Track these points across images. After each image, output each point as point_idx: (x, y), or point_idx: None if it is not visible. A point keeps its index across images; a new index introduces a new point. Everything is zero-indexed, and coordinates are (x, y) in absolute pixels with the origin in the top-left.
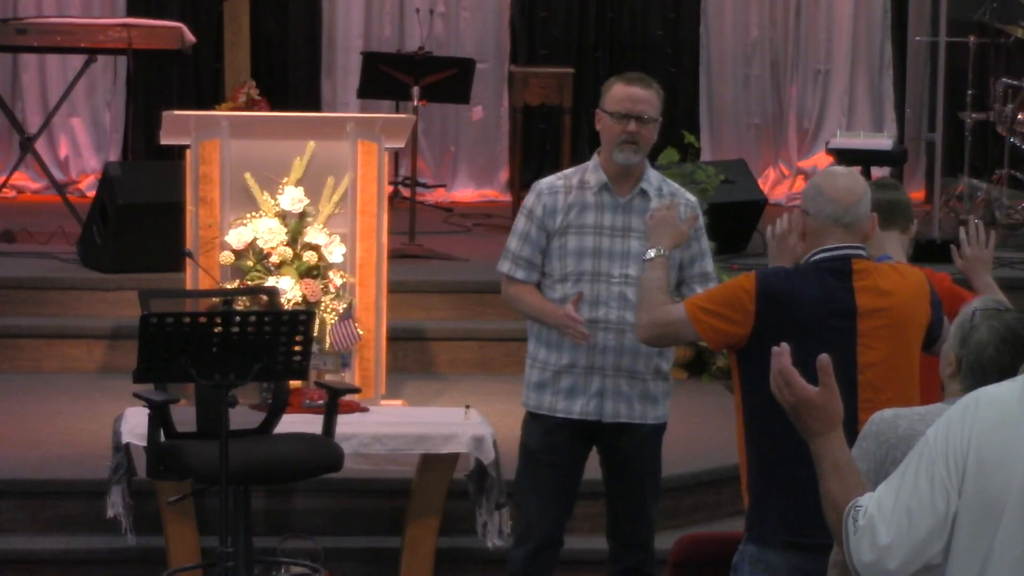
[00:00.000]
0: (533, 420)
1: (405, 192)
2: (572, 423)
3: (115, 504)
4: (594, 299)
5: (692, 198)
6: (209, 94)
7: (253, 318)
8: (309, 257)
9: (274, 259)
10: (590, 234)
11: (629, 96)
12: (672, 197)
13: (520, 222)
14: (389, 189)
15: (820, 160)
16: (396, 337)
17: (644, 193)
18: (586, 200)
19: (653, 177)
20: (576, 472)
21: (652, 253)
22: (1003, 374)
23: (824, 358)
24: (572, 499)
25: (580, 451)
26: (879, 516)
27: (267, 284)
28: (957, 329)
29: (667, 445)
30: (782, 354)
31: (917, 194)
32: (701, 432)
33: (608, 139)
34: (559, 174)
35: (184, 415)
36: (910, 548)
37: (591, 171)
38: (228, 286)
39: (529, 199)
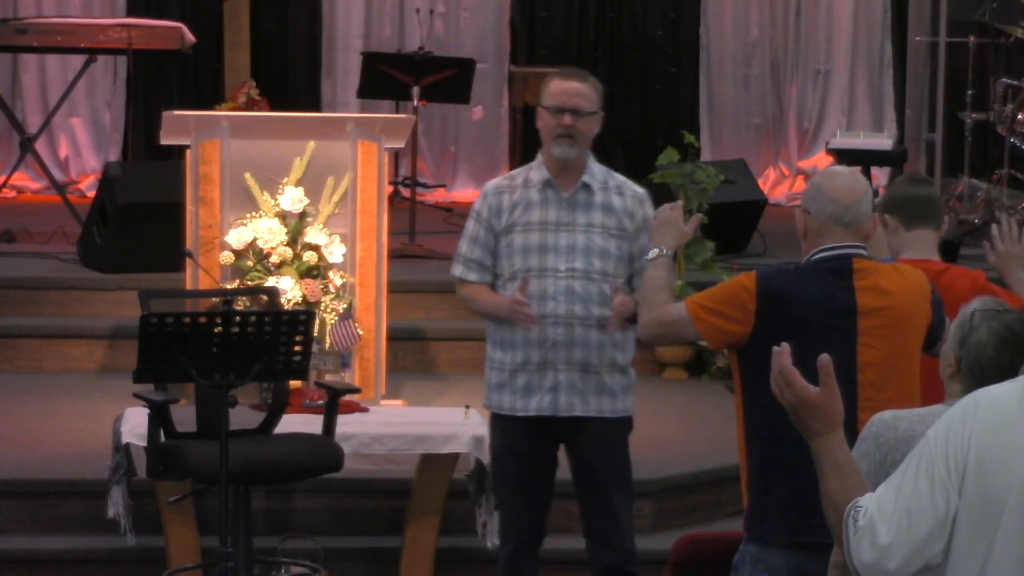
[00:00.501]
0: (495, 421)
1: (405, 192)
2: (531, 421)
3: (115, 504)
4: (542, 294)
5: (640, 190)
6: (209, 94)
7: (253, 318)
8: (309, 257)
9: (274, 259)
10: (535, 231)
11: (564, 90)
12: (618, 189)
13: (469, 225)
14: (389, 189)
15: (820, 160)
16: (396, 337)
17: (587, 187)
18: (530, 198)
19: (597, 171)
20: (544, 471)
21: (655, 253)
22: (1003, 374)
23: (825, 358)
24: (545, 498)
25: (544, 449)
26: (879, 516)
27: (267, 284)
28: (956, 330)
29: (667, 445)
30: (782, 354)
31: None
32: (701, 432)
33: (546, 134)
34: (507, 174)
35: (184, 415)
36: (910, 548)
37: (535, 169)
38: (228, 286)
39: (477, 202)
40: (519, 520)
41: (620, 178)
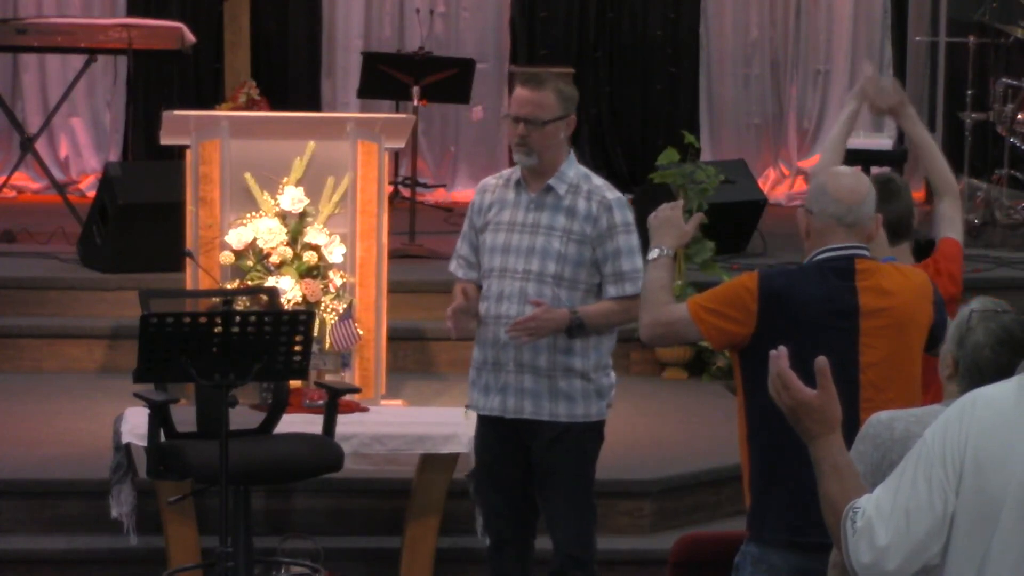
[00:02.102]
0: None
1: (405, 192)
2: (492, 420)
3: (123, 503)
4: (499, 295)
5: (610, 196)
6: (209, 94)
7: (253, 318)
8: (309, 257)
9: (274, 259)
10: (503, 231)
11: (518, 99)
12: (588, 193)
13: (464, 222)
14: (389, 189)
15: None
16: (396, 337)
17: (551, 189)
18: (507, 197)
19: (571, 174)
20: (517, 469)
21: (655, 253)
22: (1000, 375)
23: (822, 360)
24: (524, 495)
25: (510, 449)
26: (877, 517)
27: (267, 284)
28: (955, 330)
29: (667, 445)
30: (780, 357)
31: (917, 194)
32: (701, 432)
33: (510, 140)
34: (500, 172)
35: (184, 415)
36: (908, 549)
37: (517, 169)
38: (228, 286)
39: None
40: (496, 516)
41: (597, 183)
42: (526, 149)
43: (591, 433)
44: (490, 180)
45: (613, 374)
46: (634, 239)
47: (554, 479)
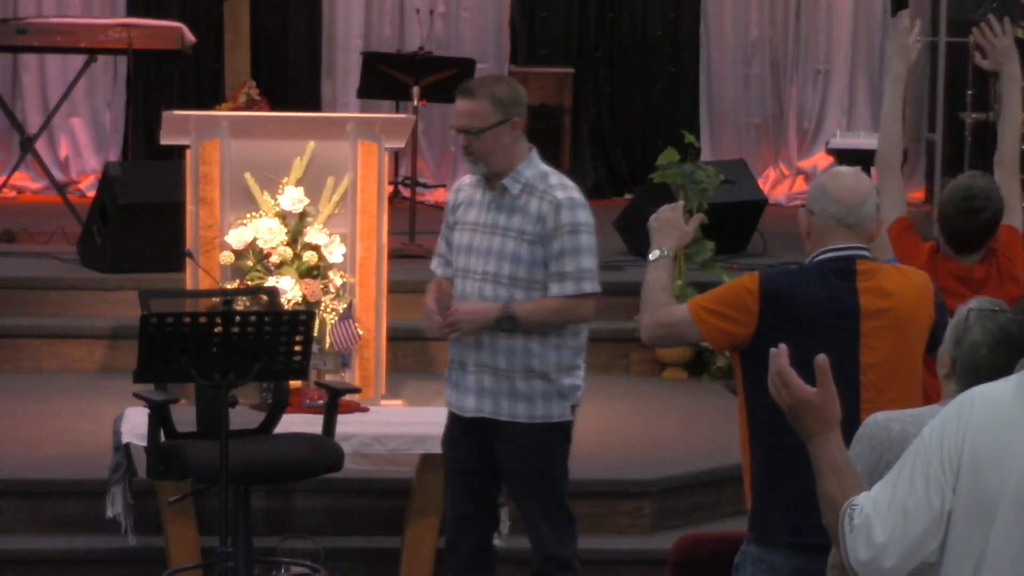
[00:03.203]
0: None
1: (405, 192)
2: (456, 417)
3: (115, 504)
4: (461, 295)
5: (562, 195)
6: (209, 94)
7: (253, 318)
8: (309, 257)
9: (274, 259)
10: (468, 230)
11: (456, 110)
12: (542, 193)
13: (443, 220)
14: (389, 189)
15: (820, 160)
16: (396, 337)
17: (505, 189)
18: (475, 197)
19: (527, 174)
20: (477, 467)
21: (655, 254)
22: (997, 375)
23: (822, 358)
24: (482, 493)
25: (473, 446)
26: (875, 515)
27: (267, 284)
28: (952, 330)
29: (667, 445)
30: (780, 355)
31: (917, 194)
32: (701, 432)
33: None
34: None
35: (184, 415)
36: (906, 546)
37: None
38: (228, 286)
39: None
40: (454, 510)
41: (553, 182)
42: (472, 158)
43: (554, 434)
44: (465, 179)
45: (581, 376)
46: (583, 239)
47: (520, 481)
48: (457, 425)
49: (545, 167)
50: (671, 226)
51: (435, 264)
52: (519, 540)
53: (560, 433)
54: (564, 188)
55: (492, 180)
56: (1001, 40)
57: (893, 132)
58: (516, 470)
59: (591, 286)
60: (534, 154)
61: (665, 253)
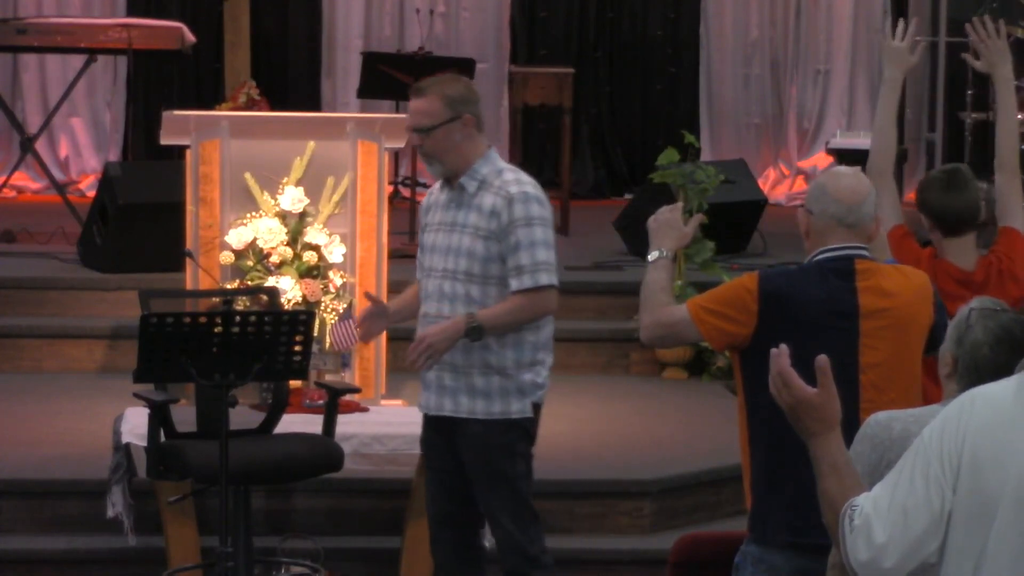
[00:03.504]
0: None
1: (405, 192)
2: (427, 417)
3: (115, 504)
4: (425, 294)
5: (515, 190)
6: (209, 94)
7: (253, 318)
8: (309, 257)
9: (274, 259)
10: (432, 231)
11: (407, 109)
12: (497, 189)
13: None
14: (389, 189)
15: (820, 160)
16: (396, 337)
17: (462, 187)
18: (439, 198)
19: (483, 171)
20: (452, 466)
21: (655, 255)
22: (998, 374)
23: (822, 359)
24: (460, 492)
25: (444, 445)
26: (875, 515)
27: (267, 284)
28: (953, 329)
29: (667, 445)
30: (780, 355)
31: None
32: (701, 432)
33: None
34: None
35: (184, 415)
36: (906, 547)
37: None
38: (228, 286)
39: None
40: (434, 509)
41: (508, 177)
42: (425, 157)
43: (514, 431)
44: (437, 184)
45: (545, 373)
46: (538, 232)
47: (482, 478)
48: (429, 425)
49: (502, 164)
50: (670, 227)
51: (416, 268)
52: None
53: (520, 430)
54: (518, 183)
55: (452, 180)
56: (994, 42)
57: (887, 137)
58: (477, 468)
59: (547, 278)
60: (492, 152)
61: (664, 254)
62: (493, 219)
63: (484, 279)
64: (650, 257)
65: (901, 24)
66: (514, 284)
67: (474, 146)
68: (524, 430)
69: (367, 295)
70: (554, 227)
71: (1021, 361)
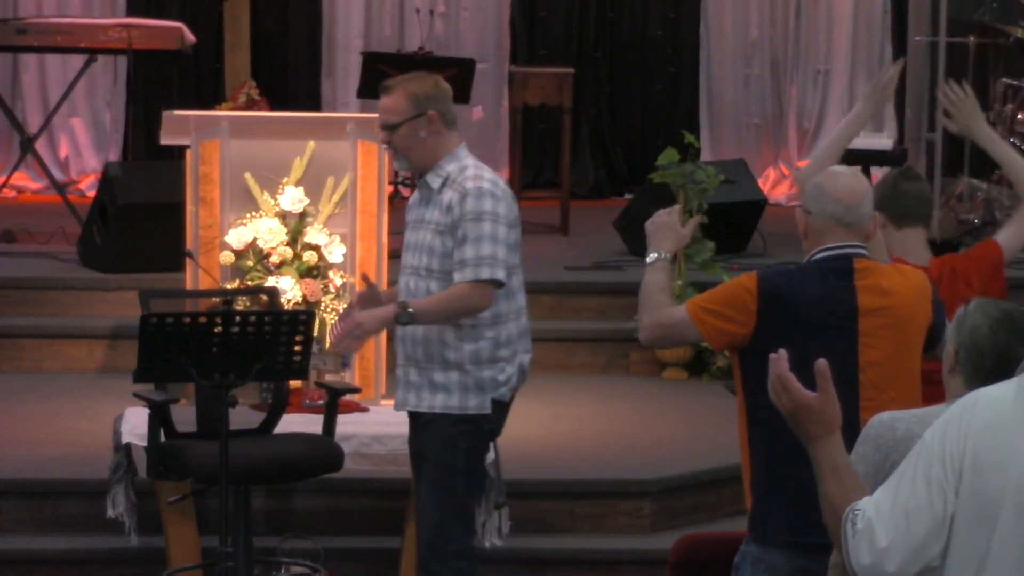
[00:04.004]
0: None
1: (405, 192)
2: (408, 413)
3: (117, 504)
4: (400, 290)
5: (471, 185)
6: (209, 94)
7: (253, 318)
8: (309, 257)
9: (274, 259)
10: (408, 229)
11: (378, 107)
12: (455, 184)
13: None
14: (389, 189)
15: None
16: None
17: (427, 184)
18: (414, 196)
19: (448, 168)
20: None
21: (653, 256)
22: (999, 356)
23: (822, 363)
24: None
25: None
26: (877, 519)
27: (267, 284)
28: (954, 323)
29: (667, 445)
30: (780, 360)
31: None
32: (701, 432)
33: None
34: None
35: (184, 415)
36: (909, 550)
37: None
38: (228, 286)
39: None
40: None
41: (468, 173)
42: (393, 153)
43: (464, 426)
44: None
45: (509, 370)
46: (486, 227)
47: (422, 467)
48: (409, 423)
49: (468, 161)
50: (668, 229)
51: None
52: (519, 540)
53: (470, 426)
54: (477, 179)
55: (422, 177)
56: (964, 102)
57: (831, 157)
58: (422, 458)
59: (488, 272)
60: (460, 150)
61: (663, 255)
62: (449, 214)
63: (443, 274)
64: (648, 259)
65: (897, 67)
66: (456, 277)
67: (441, 142)
68: (475, 426)
69: (363, 277)
70: (512, 224)
71: (1022, 364)
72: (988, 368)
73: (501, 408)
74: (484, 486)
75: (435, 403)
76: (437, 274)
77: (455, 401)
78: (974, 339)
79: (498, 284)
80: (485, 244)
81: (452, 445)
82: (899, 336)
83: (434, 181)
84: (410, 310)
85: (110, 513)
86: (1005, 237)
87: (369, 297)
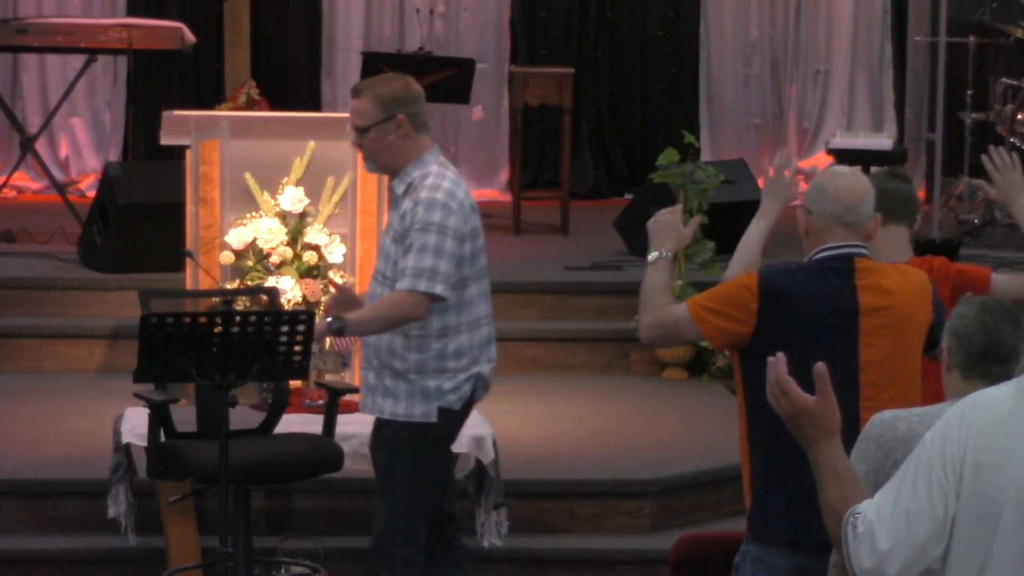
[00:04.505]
0: None
1: None
2: None
3: (119, 504)
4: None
5: (425, 194)
6: (209, 94)
7: (253, 318)
8: (309, 257)
9: (274, 259)
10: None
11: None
12: (414, 191)
13: None
14: None
15: (820, 160)
16: None
17: (392, 190)
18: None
19: (413, 174)
20: None
21: (655, 255)
22: (988, 338)
23: (820, 366)
24: None
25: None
26: (878, 522)
27: (267, 284)
28: (948, 323)
29: (667, 445)
30: (778, 364)
31: (918, 194)
32: (701, 432)
33: None
34: None
35: (184, 415)
36: (910, 553)
37: None
38: (228, 286)
39: None
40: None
41: (428, 182)
42: (364, 156)
43: (411, 433)
44: None
45: (457, 379)
46: (431, 239)
47: (375, 471)
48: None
49: (432, 167)
50: (670, 228)
51: None
52: (519, 540)
53: (418, 433)
54: (433, 188)
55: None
56: (1009, 174)
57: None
58: (376, 464)
59: (425, 286)
60: (428, 155)
61: (664, 254)
62: (403, 222)
63: (394, 282)
64: (649, 258)
65: (781, 156)
66: (396, 285)
67: (410, 146)
68: (422, 433)
69: (333, 283)
70: (465, 237)
71: (1021, 365)
72: (978, 352)
73: (450, 416)
74: (434, 493)
75: (384, 408)
76: (391, 281)
77: (401, 408)
78: (962, 325)
79: (435, 298)
80: (428, 256)
81: (397, 452)
82: (899, 336)
83: (398, 187)
84: (341, 320)
85: (112, 513)
86: (1003, 280)
87: (341, 301)
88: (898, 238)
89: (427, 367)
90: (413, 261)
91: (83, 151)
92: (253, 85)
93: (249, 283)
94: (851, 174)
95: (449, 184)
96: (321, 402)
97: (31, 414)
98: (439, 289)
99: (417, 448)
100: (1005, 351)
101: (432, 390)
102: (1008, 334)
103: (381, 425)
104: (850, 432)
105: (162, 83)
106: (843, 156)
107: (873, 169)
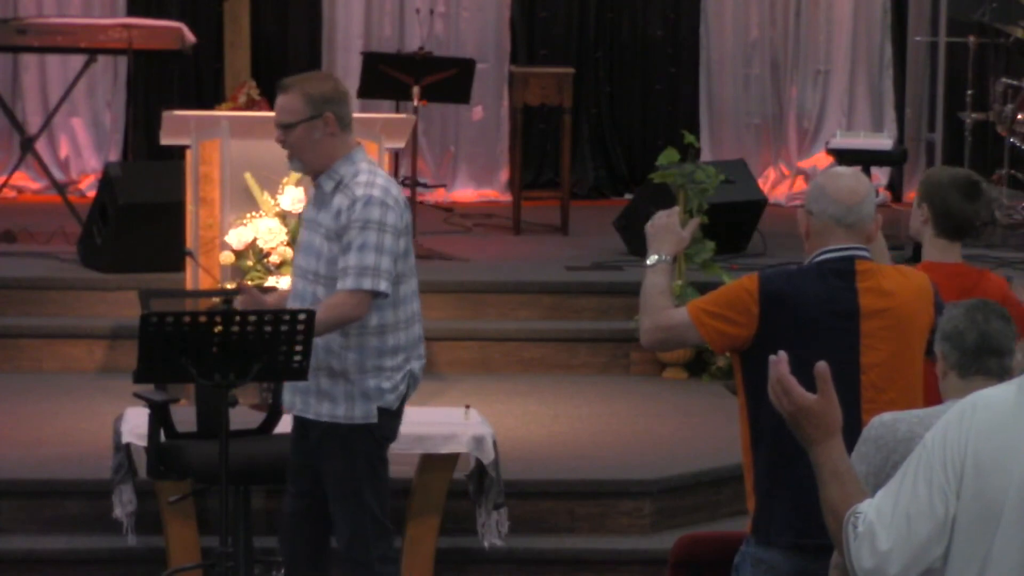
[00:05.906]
0: None
1: (405, 192)
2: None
3: (127, 504)
4: (291, 293)
5: (361, 192)
6: (209, 94)
7: (253, 318)
8: None
9: (274, 259)
10: (302, 228)
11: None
12: (347, 189)
13: None
14: None
15: (820, 160)
16: None
17: (320, 186)
18: (311, 197)
19: (342, 171)
20: (301, 463)
21: (654, 259)
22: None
23: (822, 366)
24: (306, 491)
25: (298, 442)
26: (878, 522)
27: (267, 284)
28: (939, 329)
29: (667, 445)
30: (780, 363)
31: (910, 193)
32: (701, 432)
33: None
34: None
35: (184, 415)
36: (910, 553)
37: None
38: (228, 286)
39: None
40: (286, 506)
41: (361, 179)
42: (288, 153)
43: (358, 435)
44: None
45: (395, 378)
46: (371, 236)
47: (326, 480)
48: (295, 423)
49: (363, 165)
50: (668, 231)
51: None
52: (519, 540)
53: (365, 434)
54: (368, 186)
55: (315, 178)
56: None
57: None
58: (322, 469)
59: (370, 283)
60: (356, 153)
61: (663, 258)
62: (337, 220)
63: (329, 280)
64: (648, 261)
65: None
66: (338, 285)
67: (337, 145)
68: (368, 434)
69: (240, 287)
70: (401, 233)
71: (1022, 363)
72: (972, 348)
73: (389, 416)
74: (388, 489)
75: (321, 411)
76: (324, 279)
77: (341, 411)
78: (953, 325)
79: (379, 295)
80: (369, 254)
81: (349, 455)
82: (900, 337)
83: (327, 184)
84: None
85: (116, 512)
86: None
87: (249, 304)
88: (951, 249)
89: (366, 366)
90: (355, 259)
91: (83, 151)
92: (253, 85)
93: (249, 283)
94: (852, 175)
95: (383, 180)
96: None
97: (31, 414)
98: (383, 286)
99: (368, 448)
100: (999, 344)
101: (372, 390)
102: (1000, 327)
103: (323, 433)
104: (851, 434)
105: (162, 83)
106: (843, 156)
107: (884, 170)
